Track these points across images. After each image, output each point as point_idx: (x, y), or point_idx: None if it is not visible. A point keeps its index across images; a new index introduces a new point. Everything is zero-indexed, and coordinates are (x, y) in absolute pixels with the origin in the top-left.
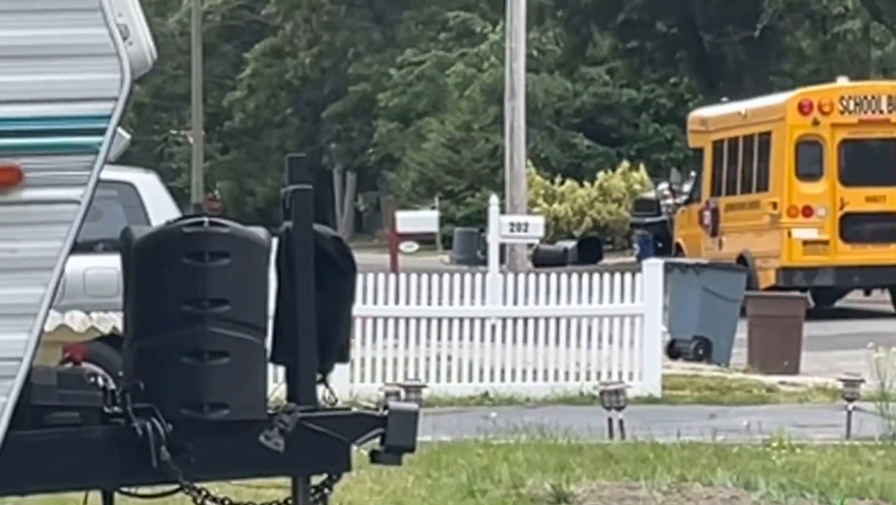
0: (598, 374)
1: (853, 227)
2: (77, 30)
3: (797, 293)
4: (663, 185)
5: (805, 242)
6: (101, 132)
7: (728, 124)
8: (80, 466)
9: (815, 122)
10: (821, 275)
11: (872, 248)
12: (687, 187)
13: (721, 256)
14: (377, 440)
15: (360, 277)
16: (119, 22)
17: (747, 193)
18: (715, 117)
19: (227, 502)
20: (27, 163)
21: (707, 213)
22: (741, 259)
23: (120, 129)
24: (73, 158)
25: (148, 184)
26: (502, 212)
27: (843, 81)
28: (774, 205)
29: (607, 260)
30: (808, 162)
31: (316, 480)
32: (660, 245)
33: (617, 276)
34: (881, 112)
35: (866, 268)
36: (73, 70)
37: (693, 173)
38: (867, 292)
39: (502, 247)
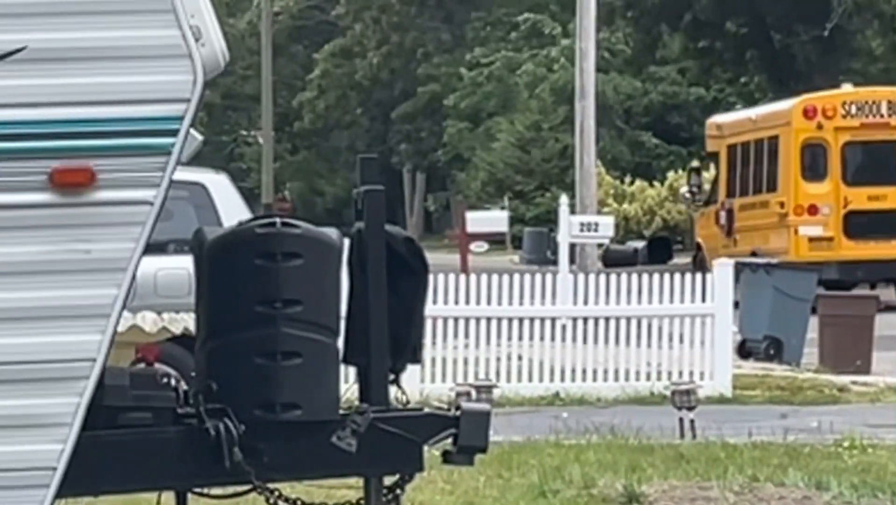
0: (669, 374)
1: (856, 224)
2: (150, 31)
3: (868, 292)
4: (684, 189)
5: (811, 239)
6: (174, 133)
7: (740, 129)
8: (152, 467)
9: (819, 127)
10: (826, 270)
11: (875, 244)
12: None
13: (735, 252)
14: (449, 441)
15: (430, 276)
16: (191, 23)
17: (758, 194)
18: (729, 123)
19: (299, 503)
20: (100, 164)
21: (723, 214)
22: (753, 256)
23: (193, 131)
24: (145, 160)
25: (219, 184)
26: (572, 212)
27: (846, 87)
28: (782, 204)
29: (677, 260)
30: (812, 163)
31: (388, 480)
32: None
33: (687, 275)
34: (882, 116)
35: (869, 263)
36: (146, 71)
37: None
38: (872, 286)
39: (572, 247)
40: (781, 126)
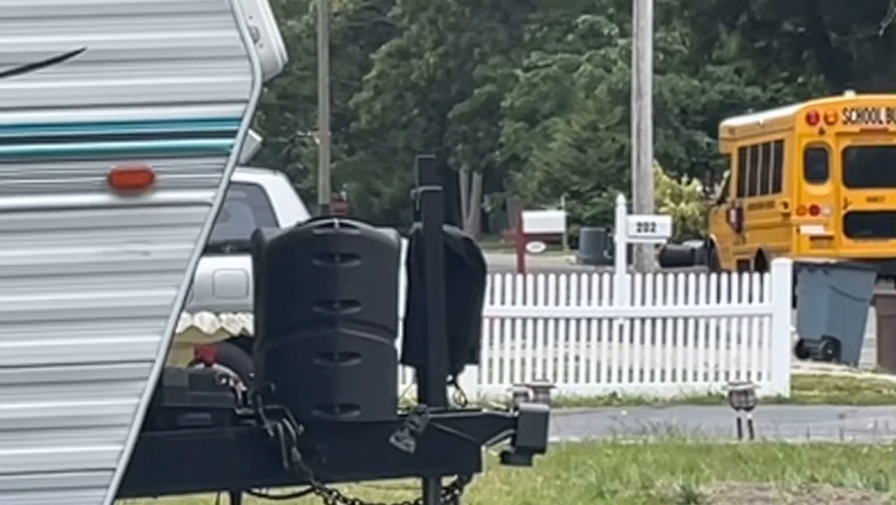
0: (727, 374)
1: (855, 224)
2: (208, 32)
3: None
4: (699, 189)
5: (812, 238)
6: (232, 134)
7: (750, 133)
8: (211, 468)
9: (821, 132)
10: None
11: (872, 242)
12: (719, 189)
13: (744, 250)
14: (507, 441)
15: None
16: (250, 24)
17: (765, 195)
18: (740, 126)
19: (357, 503)
20: (159, 165)
21: (733, 213)
22: (759, 253)
23: (251, 132)
24: (204, 161)
25: (276, 185)
26: (629, 212)
27: (849, 95)
28: (786, 204)
29: None
30: (814, 166)
31: (446, 480)
32: None
33: (745, 275)
34: (880, 122)
35: (867, 260)
36: (204, 73)
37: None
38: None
39: (629, 247)
40: (786, 130)
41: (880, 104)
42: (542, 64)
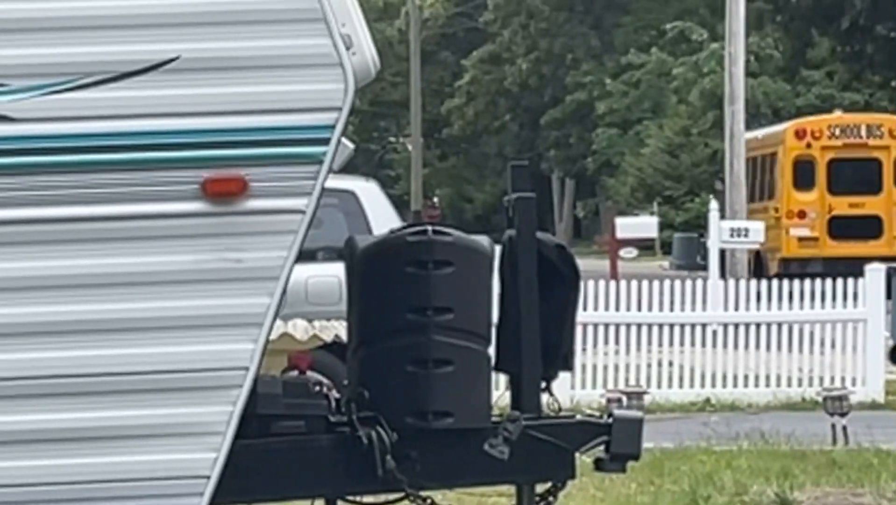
0: (821, 379)
1: (838, 227)
2: (301, 40)
3: None
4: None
5: (800, 239)
6: (326, 142)
7: (751, 146)
8: (305, 475)
9: (808, 145)
10: (812, 265)
11: (854, 243)
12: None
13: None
14: (601, 448)
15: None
16: (342, 32)
17: (761, 201)
18: (749, 139)
19: None
20: (252, 173)
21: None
22: (757, 253)
23: (344, 140)
24: (297, 168)
25: (369, 192)
26: (722, 217)
27: (837, 113)
28: (777, 209)
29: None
30: (802, 176)
31: (540, 487)
32: None
33: (839, 280)
34: (861, 137)
35: (849, 259)
36: (298, 80)
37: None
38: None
39: (722, 252)
40: (778, 144)
41: (861, 121)
42: (637, 63)
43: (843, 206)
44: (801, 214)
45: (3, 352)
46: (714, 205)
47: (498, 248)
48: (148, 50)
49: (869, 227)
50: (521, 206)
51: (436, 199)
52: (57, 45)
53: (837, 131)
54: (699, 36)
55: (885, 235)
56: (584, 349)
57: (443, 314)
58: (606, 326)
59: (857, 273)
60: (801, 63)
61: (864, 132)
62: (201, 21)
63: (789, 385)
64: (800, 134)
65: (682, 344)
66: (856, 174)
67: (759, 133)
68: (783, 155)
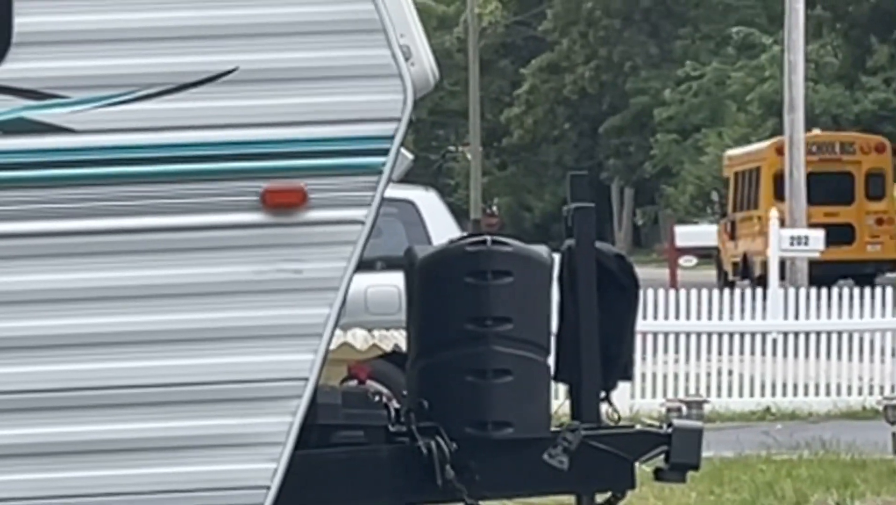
0: (881, 388)
1: None
2: (360, 51)
3: None
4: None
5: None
6: (385, 153)
7: (739, 161)
8: (365, 485)
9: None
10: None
11: (829, 249)
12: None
13: (736, 253)
14: (661, 457)
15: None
16: (401, 43)
17: (748, 210)
18: (734, 156)
19: None
20: (311, 184)
21: (729, 224)
22: (745, 256)
23: (403, 150)
24: (356, 179)
25: (428, 201)
26: (782, 225)
27: (815, 132)
28: (760, 217)
29: (890, 274)
30: (782, 189)
31: (599, 497)
32: None
33: None
34: (835, 153)
35: (825, 263)
36: (357, 91)
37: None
38: (832, 282)
39: (782, 261)
40: (761, 160)
41: (835, 139)
42: (695, 75)
43: (820, 215)
44: (782, 224)
45: (72, 363)
46: (774, 213)
47: (557, 258)
48: (206, 61)
49: (843, 234)
50: (580, 216)
51: (495, 208)
52: (116, 57)
53: (814, 148)
54: (764, 38)
55: (857, 241)
56: (643, 358)
57: (502, 324)
58: (666, 334)
59: (833, 275)
60: (859, 70)
61: (838, 149)
62: (259, 32)
63: (850, 394)
64: (780, 150)
65: (741, 352)
66: (831, 187)
67: (748, 149)
68: (766, 169)
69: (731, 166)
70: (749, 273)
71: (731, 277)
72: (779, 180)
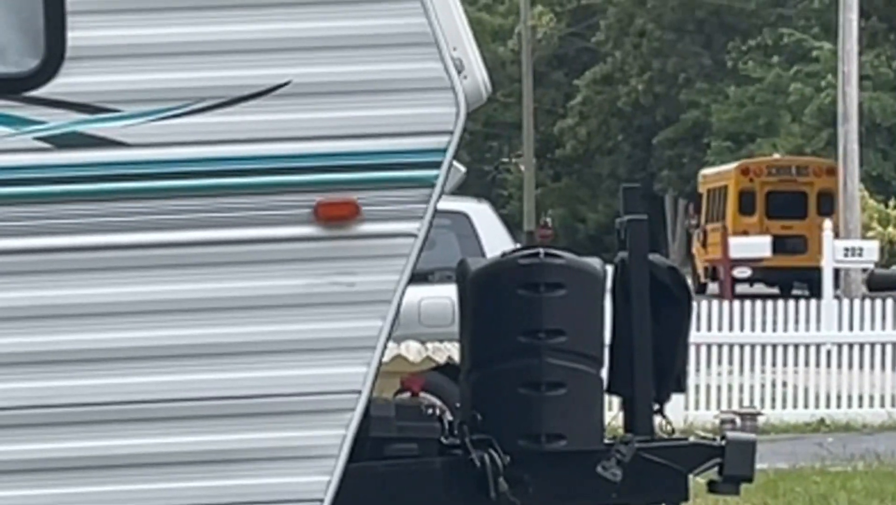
0: None
1: (773, 244)
2: (412, 64)
3: None
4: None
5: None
6: (437, 166)
7: (711, 179)
8: (418, 498)
9: (751, 180)
10: (753, 273)
11: (786, 256)
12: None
13: (707, 259)
14: (714, 469)
15: (694, 304)
16: (454, 56)
17: (717, 222)
18: (706, 174)
19: None
20: (364, 197)
21: (702, 234)
22: (713, 262)
23: (456, 163)
24: (409, 192)
25: (481, 213)
26: (836, 236)
27: (775, 156)
28: (726, 228)
29: None
30: (746, 204)
31: None
32: None
33: None
34: (791, 175)
35: (782, 269)
36: (409, 104)
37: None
38: (789, 287)
39: (836, 272)
40: (728, 179)
41: (792, 163)
42: (755, 76)
43: (777, 227)
44: (745, 233)
45: (131, 376)
46: (827, 224)
47: (610, 270)
48: (259, 75)
49: (797, 245)
50: (633, 229)
51: (548, 220)
52: (168, 71)
53: (774, 170)
54: (817, 44)
55: (810, 251)
56: (697, 370)
57: (555, 337)
58: (720, 346)
59: (789, 279)
60: None
61: (794, 171)
62: (312, 46)
63: None
64: (745, 171)
65: (796, 364)
66: (787, 203)
67: (717, 169)
68: (732, 187)
69: (704, 183)
70: (717, 276)
71: (702, 280)
72: (743, 197)
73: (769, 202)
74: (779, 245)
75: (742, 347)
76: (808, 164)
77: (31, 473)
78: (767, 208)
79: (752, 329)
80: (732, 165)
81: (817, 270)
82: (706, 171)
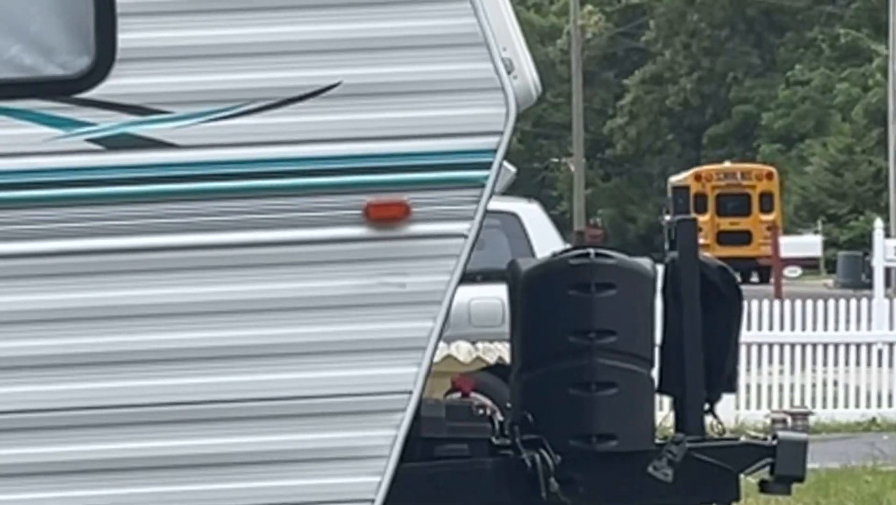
0: None
1: (723, 237)
2: (462, 65)
3: None
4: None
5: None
6: (487, 166)
7: (675, 184)
8: (469, 498)
9: (703, 185)
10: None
11: (733, 248)
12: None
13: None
14: (766, 469)
15: (744, 304)
16: (504, 56)
17: None
18: (674, 181)
19: None
20: (414, 197)
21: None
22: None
23: (506, 163)
24: (459, 192)
25: (531, 214)
26: (887, 235)
27: (726, 164)
28: None
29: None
30: (699, 204)
31: None
32: None
33: None
34: (737, 179)
35: (730, 259)
36: (459, 105)
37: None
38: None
39: (888, 271)
40: (687, 182)
41: (737, 169)
42: (803, 80)
43: (726, 224)
44: (700, 230)
45: (180, 377)
46: (878, 223)
47: (660, 270)
48: (309, 76)
49: (742, 238)
50: (683, 229)
51: (598, 220)
52: (218, 73)
53: (723, 175)
54: (872, 45)
55: (753, 243)
56: (748, 369)
57: (605, 337)
58: (771, 345)
59: (736, 268)
60: None
61: (739, 176)
62: (362, 47)
63: None
64: (698, 177)
65: (846, 363)
66: (734, 203)
67: (679, 176)
68: (688, 190)
69: (673, 188)
70: None
71: None
72: (698, 199)
73: (718, 203)
74: (726, 238)
75: (793, 346)
76: (751, 170)
77: (83, 473)
78: (717, 208)
79: (803, 328)
80: (689, 172)
81: (760, 259)
82: (672, 178)
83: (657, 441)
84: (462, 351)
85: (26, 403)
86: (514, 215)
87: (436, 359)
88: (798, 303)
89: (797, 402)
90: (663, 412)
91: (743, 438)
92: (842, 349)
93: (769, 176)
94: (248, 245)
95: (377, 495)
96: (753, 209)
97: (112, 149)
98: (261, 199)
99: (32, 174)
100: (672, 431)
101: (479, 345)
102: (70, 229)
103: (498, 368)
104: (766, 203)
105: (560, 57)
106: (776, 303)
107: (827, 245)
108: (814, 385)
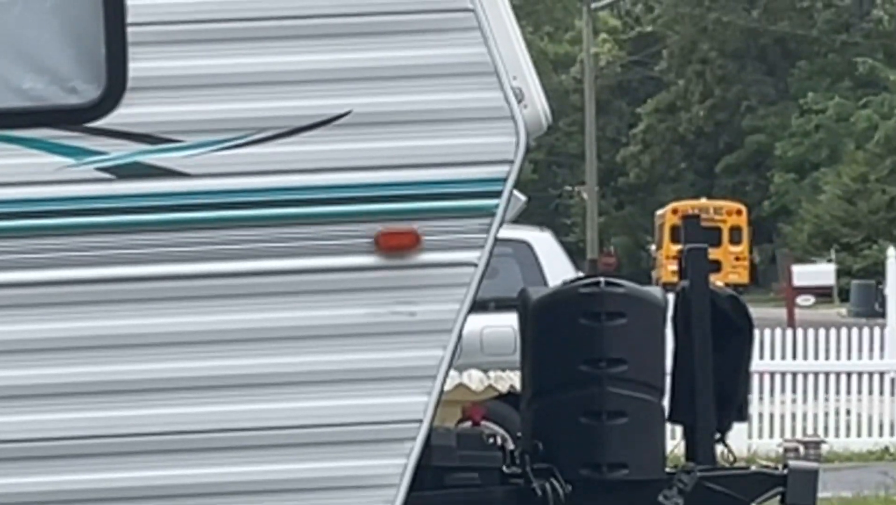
0: None
1: None
2: (472, 94)
3: None
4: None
5: (673, 271)
6: (498, 195)
7: (659, 219)
8: None
9: (680, 218)
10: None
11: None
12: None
13: (657, 278)
14: (776, 499)
15: (756, 332)
16: (514, 85)
17: (660, 250)
18: (659, 214)
19: None
20: (424, 226)
21: (653, 260)
22: (659, 281)
23: (516, 192)
24: (469, 221)
25: (543, 242)
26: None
27: (702, 200)
28: (663, 254)
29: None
30: (675, 235)
31: None
32: None
33: None
34: (710, 214)
35: None
36: (469, 134)
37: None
38: None
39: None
40: (666, 218)
41: (710, 206)
42: (817, 108)
43: None
44: (675, 257)
45: (190, 406)
46: (892, 251)
47: (671, 298)
48: (320, 105)
49: (713, 267)
50: (693, 258)
51: (612, 248)
52: (229, 102)
53: (697, 210)
54: (885, 75)
55: (723, 271)
56: (761, 398)
57: (616, 366)
58: (783, 374)
59: None
60: None
61: (712, 211)
62: (372, 76)
63: None
64: (675, 211)
65: (860, 392)
66: (706, 236)
67: (662, 211)
68: (666, 223)
69: (658, 220)
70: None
71: None
72: (674, 231)
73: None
74: None
75: (805, 375)
76: (721, 207)
77: (94, 502)
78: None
79: (816, 357)
80: (668, 208)
81: (729, 287)
82: (659, 211)
83: (668, 470)
84: (474, 379)
85: (37, 431)
86: (526, 244)
87: (447, 387)
88: (811, 331)
89: (810, 430)
90: (674, 441)
91: (753, 467)
92: (854, 378)
93: (738, 212)
94: (258, 274)
95: None
96: (724, 241)
97: (123, 178)
98: (271, 227)
99: (44, 203)
100: (683, 460)
101: (492, 373)
102: (81, 258)
103: (510, 397)
104: (736, 236)
105: (573, 86)
106: (789, 331)
107: (840, 274)
108: (826, 414)
